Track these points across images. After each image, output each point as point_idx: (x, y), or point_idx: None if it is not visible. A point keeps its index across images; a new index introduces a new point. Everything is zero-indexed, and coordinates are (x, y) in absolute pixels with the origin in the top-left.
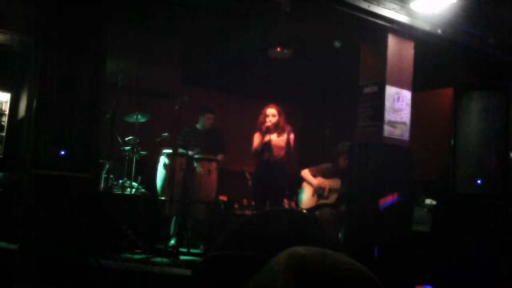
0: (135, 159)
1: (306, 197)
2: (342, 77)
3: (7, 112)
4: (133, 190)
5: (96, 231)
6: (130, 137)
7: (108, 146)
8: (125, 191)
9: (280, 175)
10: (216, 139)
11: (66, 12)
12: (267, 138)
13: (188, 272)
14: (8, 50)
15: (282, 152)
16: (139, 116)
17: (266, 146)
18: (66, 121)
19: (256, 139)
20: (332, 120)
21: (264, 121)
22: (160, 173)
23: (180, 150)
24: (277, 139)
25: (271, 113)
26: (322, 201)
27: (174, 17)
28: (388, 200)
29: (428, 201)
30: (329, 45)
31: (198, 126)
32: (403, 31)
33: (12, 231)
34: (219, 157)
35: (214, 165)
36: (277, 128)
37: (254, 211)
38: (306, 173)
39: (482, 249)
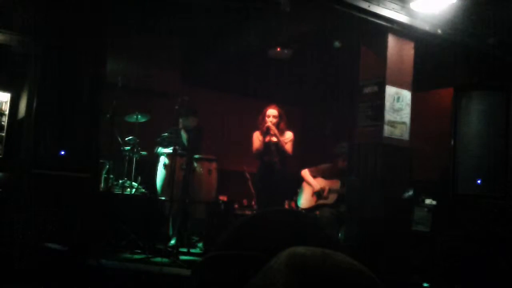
0: (135, 159)
1: (306, 197)
2: (342, 77)
3: (7, 112)
4: (133, 190)
5: (96, 231)
6: (130, 137)
7: (108, 146)
8: (125, 191)
9: (281, 177)
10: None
11: (66, 12)
12: (267, 139)
13: (188, 272)
14: (8, 50)
15: (282, 154)
16: (139, 116)
17: (266, 147)
18: (66, 121)
19: (256, 139)
20: (332, 120)
21: (264, 122)
22: (160, 173)
23: (159, 150)
24: (277, 141)
25: (272, 114)
26: (321, 201)
27: (174, 17)
28: None
29: (428, 201)
30: (329, 45)
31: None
32: (403, 31)
33: (12, 231)
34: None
35: (214, 165)
36: (277, 129)
37: (254, 211)
38: (306, 173)
39: (482, 249)
